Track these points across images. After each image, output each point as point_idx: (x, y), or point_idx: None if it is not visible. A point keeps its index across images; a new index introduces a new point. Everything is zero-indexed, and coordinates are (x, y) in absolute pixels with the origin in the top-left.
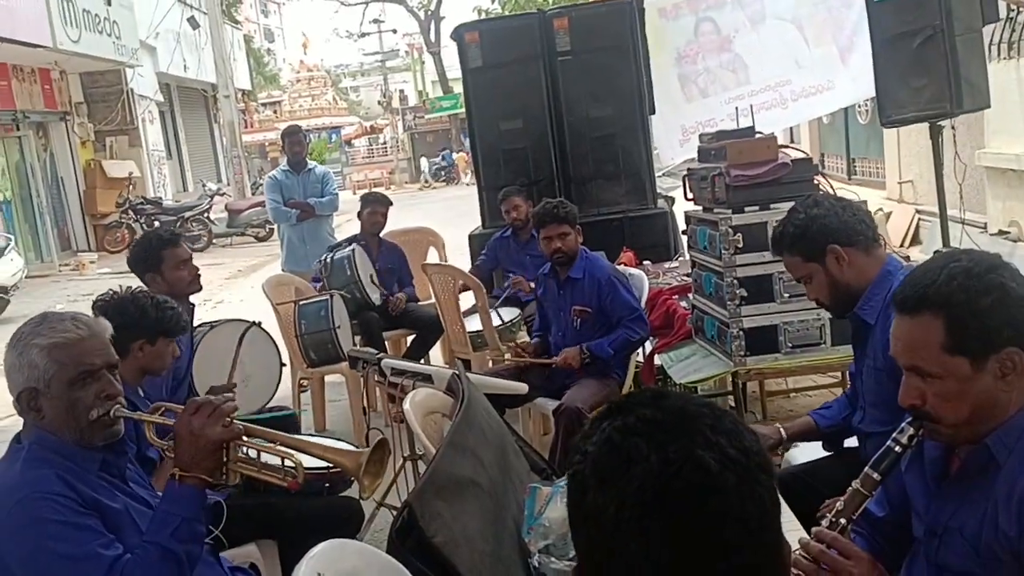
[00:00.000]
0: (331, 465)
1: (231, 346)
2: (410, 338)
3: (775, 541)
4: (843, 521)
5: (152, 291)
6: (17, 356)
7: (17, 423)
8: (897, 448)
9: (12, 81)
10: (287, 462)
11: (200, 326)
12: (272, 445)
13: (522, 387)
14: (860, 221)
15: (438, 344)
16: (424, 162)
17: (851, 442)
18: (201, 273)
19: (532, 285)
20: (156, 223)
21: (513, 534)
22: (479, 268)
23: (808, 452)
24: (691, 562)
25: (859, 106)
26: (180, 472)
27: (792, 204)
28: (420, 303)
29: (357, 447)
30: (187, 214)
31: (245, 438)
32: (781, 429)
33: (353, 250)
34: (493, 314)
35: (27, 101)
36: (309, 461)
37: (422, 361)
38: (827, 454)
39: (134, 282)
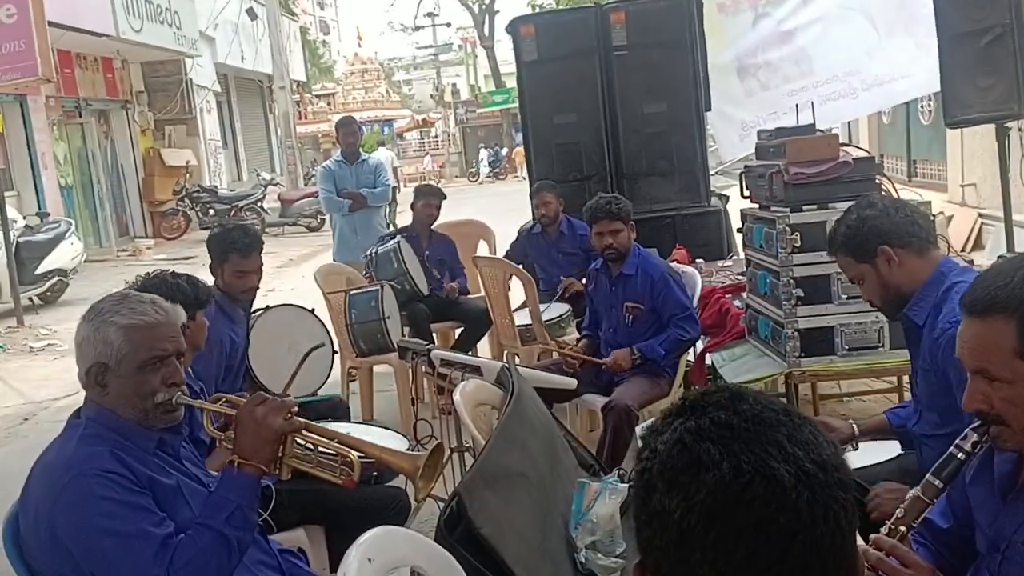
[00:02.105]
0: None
1: (285, 329)
2: (458, 330)
3: (849, 561)
4: (903, 529)
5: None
6: (93, 330)
7: (75, 402)
8: (960, 455)
9: (76, 69)
10: (343, 459)
11: (255, 311)
12: (329, 442)
13: (571, 382)
14: (913, 223)
15: (486, 337)
16: (483, 153)
17: None
18: (258, 287)
19: (583, 283)
20: (211, 211)
21: (560, 529)
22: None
23: (866, 456)
24: None
25: (921, 106)
26: (239, 459)
27: (852, 203)
28: (469, 296)
29: (406, 436)
30: (241, 203)
31: (304, 432)
32: (854, 425)
33: (398, 243)
34: (542, 308)
35: (90, 89)
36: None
37: (470, 354)
38: (886, 458)
39: (186, 268)
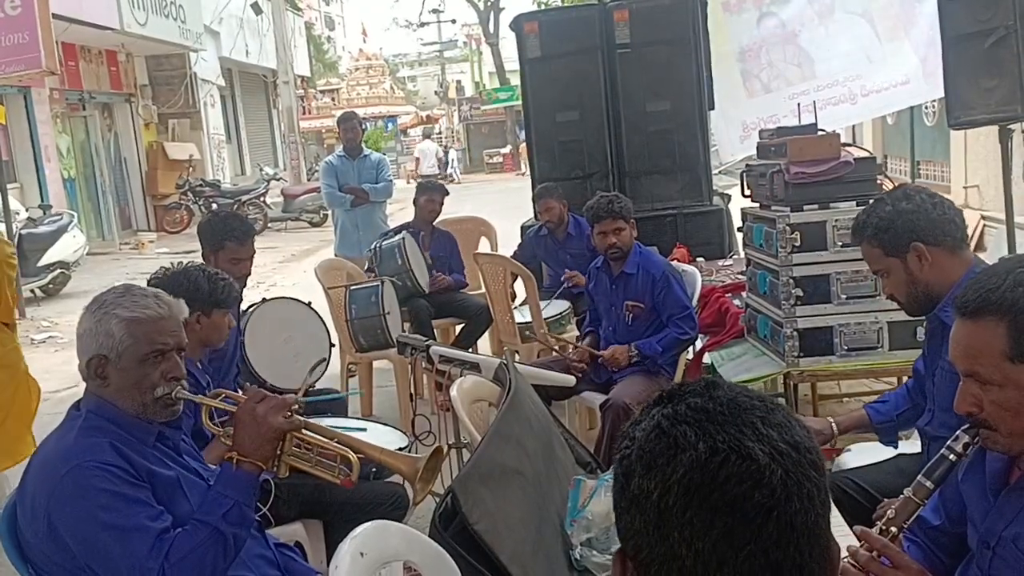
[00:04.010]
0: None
1: (281, 322)
2: (459, 327)
3: (822, 541)
4: (894, 529)
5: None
6: (95, 322)
7: (74, 395)
8: (951, 456)
9: (80, 62)
10: (342, 459)
11: (251, 305)
12: (328, 441)
13: (570, 380)
14: (950, 221)
15: (486, 334)
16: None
17: (906, 446)
18: (251, 273)
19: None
20: (214, 206)
21: (556, 526)
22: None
23: (862, 456)
24: (733, 554)
25: (925, 107)
26: (238, 456)
27: (853, 203)
28: (470, 292)
29: (405, 433)
30: (244, 197)
31: (304, 431)
32: (833, 423)
33: (403, 238)
34: (543, 306)
35: (94, 82)
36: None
37: (470, 350)
38: (882, 458)
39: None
